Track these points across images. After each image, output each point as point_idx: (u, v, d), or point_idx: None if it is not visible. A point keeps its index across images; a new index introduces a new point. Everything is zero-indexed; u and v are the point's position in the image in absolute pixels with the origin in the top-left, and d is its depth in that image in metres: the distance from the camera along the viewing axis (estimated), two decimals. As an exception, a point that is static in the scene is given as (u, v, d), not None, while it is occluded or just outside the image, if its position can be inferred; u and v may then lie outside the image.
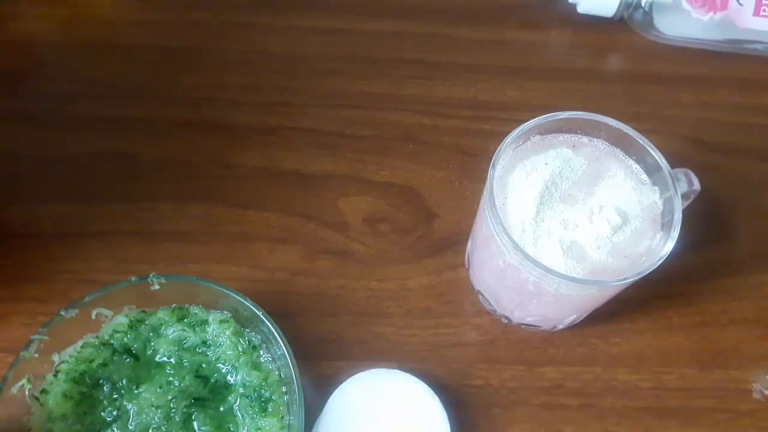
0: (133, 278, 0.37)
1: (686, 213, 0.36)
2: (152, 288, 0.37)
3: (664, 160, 0.36)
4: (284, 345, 0.35)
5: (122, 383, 0.36)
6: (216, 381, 0.36)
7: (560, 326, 0.42)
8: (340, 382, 0.38)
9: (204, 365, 0.37)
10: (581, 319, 0.41)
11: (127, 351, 0.37)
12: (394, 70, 0.53)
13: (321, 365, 0.40)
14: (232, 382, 0.37)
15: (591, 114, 0.38)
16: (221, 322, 0.37)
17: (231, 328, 0.37)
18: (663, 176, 0.36)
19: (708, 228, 0.47)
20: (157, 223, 0.45)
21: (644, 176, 0.38)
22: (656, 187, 0.37)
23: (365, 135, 0.50)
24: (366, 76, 0.52)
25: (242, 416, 0.36)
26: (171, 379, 0.36)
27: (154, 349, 0.37)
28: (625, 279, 0.34)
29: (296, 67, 0.53)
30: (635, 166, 0.38)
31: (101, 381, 0.36)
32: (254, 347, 0.37)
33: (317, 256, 0.44)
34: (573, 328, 0.42)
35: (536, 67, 0.54)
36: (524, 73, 0.53)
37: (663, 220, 0.36)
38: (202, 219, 0.45)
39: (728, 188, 0.48)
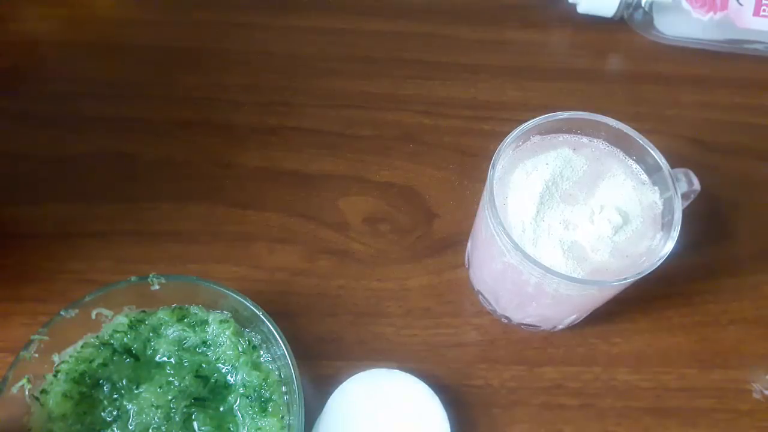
0: (133, 278, 0.37)
1: (686, 213, 0.36)
2: (152, 288, 0.37)
3: (664, 160, 0.36)
4: (284, 345, 0.35)
5: (122, 383, 0.36)
6: (216, 381, 0.36)
7: (560, 326, 0.42)
8: (340, 382, 0.38)
9: (204, 365, 0.37)
10: (581, 319, 0.41)
11: (127, 351, 0.37)
12: (394, 70, 0.53)
13: (321, 365, 0.40)
14: (232, 382, 0.37)
15: (591, 114, 0.38)
16: (221, 322, 0.37)
17: (231, 328, 0.37)
18: (663, 176, 0.36)
19: (708, 228, 0.47)
20: (157, 223, 0.45)
21: (644, 176, 0.38)
22: (656, 187, 0.37)
23: (365, 135, 0.50)
24: (366, 76, 0.52)
25: (242, 416, 0.36)
26: (171, 379, 0.36)
27: (154, 349, 0.37)
28: (625, 279, 0.34)
29: (296, 67, 0.53)
30: (635, 166, 0.38)
31: (101, 381, 0.36)
32: (254, 347, 0.37)
33: (317, 256, 0.44)
34: (573, 328, 0.42)
35: (536, 67, 0.54)
36: (524, 73, 0.53)
37: (663, 220, 0.36)
38: (202, 219, 0.45)
39: (728, 188, 0.48)
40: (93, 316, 0.37)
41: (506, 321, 0.42)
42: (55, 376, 0.35)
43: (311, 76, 0.52)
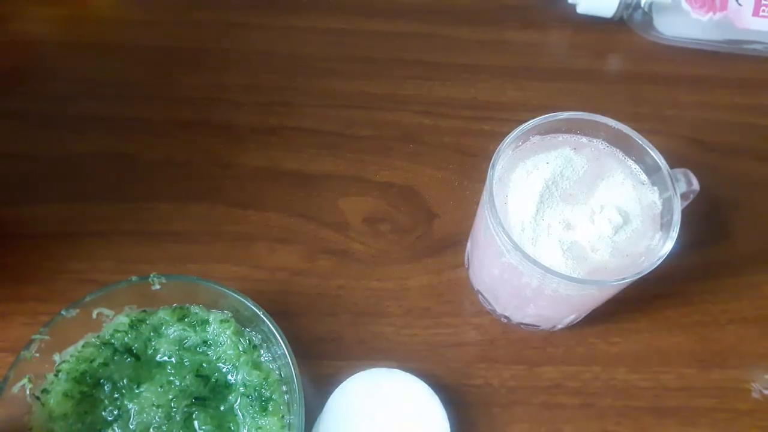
0: (133, 278, 0.37)
1: (685, 213, 0.36)
2: (153, 288, 0.37)
3: (663, 161, 0.37)
4: (284, 344, 0.35)
5: (123, 383, 0.36)
6: (216, 380, 0.36)
7: (560, 326, 0.42)
8: (340, 382, 0.38)
9: (204, 365, 0.37)
10: (580, 318, 0.42)
11: (128, 350, 0.37)
12: (394, 70, 0.53)
13: (321, 365, 0.41)
14: (232, 381, 0.37)
15: (590, 114, 0.38)
16: (222, 321, 0.37)
17: (231, 328, 0.37)
18: (662, 176, 0.37)
19: (707, 228, 0.47)
20: (157, 223, 0.45)
21: (643, 176, 0.38)
22: (655, 187, 0.37)
23: (365, 135, 0.50)
24: (366, 76, 0.52)
25: (243, 415, 0.36)
26: (172, 378, 0.36)
27: (154, 349, 0.37)
28: (624, 279, 0.34)
29: (296, 67, 0.53)
30: (635, 166, 0.38)
31: (102, 380, 0.36)
32: (255, 347, 0.37)
33: (317, 256, 0.45)
34: (572, 327, 0.42)
35: (536, 67, 0.54)
36: (524, 73, 0.53)
37: (662, 220, 0.36)
38: (202, 219, 0.46)
39: (727, 188, 0.49)
40: (94, 316, 0.37)
41: (506, 321, 0.42)
42: (56, 375, 0.35)
43: (311, 76, 0.52)
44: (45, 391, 0.35)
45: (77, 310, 0.36)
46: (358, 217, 0.46)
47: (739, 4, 0.53)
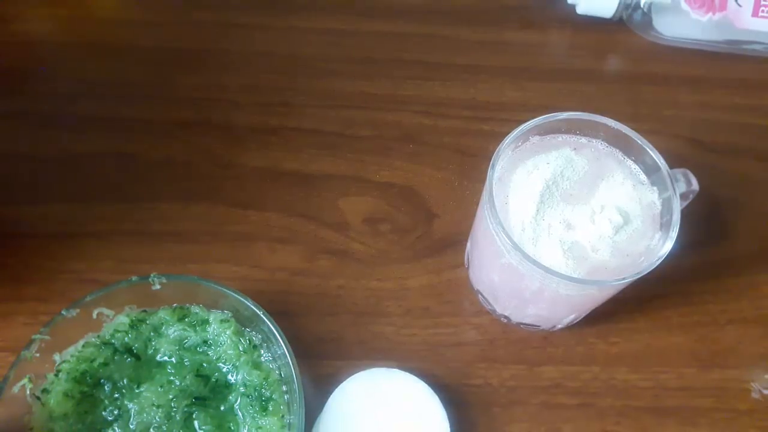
0: (134, 278, 0.37)
1: (685, 213, 0.36)
2: (153, 288, 0.37)
3: (662, 161, 0.37)
4: (284, 344, 0.35)
5: (123, 382, 0.36)
6: (217, 380, 0.37)
7: (559, 326, 0.42)
8: (340, 382, 0.38)
9: (205, 364, 0.37)
10: (580, 318, 0.42)
11: (128, 350, 0.37)
12: (394, 70, 0.53)
13: (321, 365, 0.41)
14: (232, 381, 0.37)
15: (590, 114, 0.38)
16: (222, 321, 0.37)
17: (232, 328, 0.37)
18: (662, 176, 0.37)
19: (707, 228, 0.47)
20: (157, 223, 0.45)
21: (643, 176, 0.38)
22: (655, 188, 0.37)
23: (365, 135, 0.50)
24: (366, 76, 0.52)
25: (243, 415, 0.36)
26: (172, 378, 0.36)
27: (155, 349, 0.37)
28: (624, 279, 0.34)
29: (296, 67, 0.53)
30: (634, 166, 0.38)
31: (102, 380, 0.36)
32: (255, 347, 0.37)
33: (317, 256, 0.45)
34: (572, 327, 0.42)
35: (535, 67, 0.54)
36: (524, 73, 0.53)
37: (662, 220, 0.36)
38: (202, 219, 0.46)
39: (727, 188, 0.49)
40: (94, 316, 0.37)
41: (505, 320, 0.43)
42: (56, 375, 0.35)
43: (311, 76, 0.52)
44: (45, 391, 0.35)
45: (77, 310, 0.36)
46: (358, 217, 0.46)
47: (739, 5, 0.53)
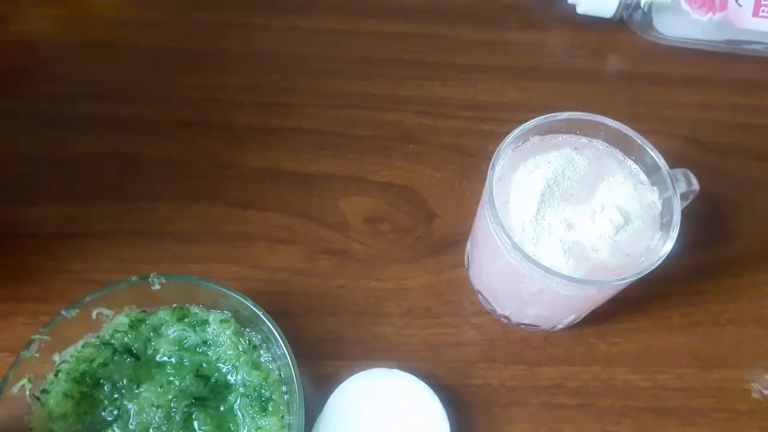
0: (133, 278, 0.37)
1: (685, 213, 0.36)
2: (153, 288, 0.37)
3: (663, 161, 0.37)
4: (284, 345, 0.35)
5: (123, 383, 0.36)
6: (216, 380, 0.36)
7: (559, 326, 0.42)
8: (340, 382, 0.38)
9: (204, 365, 0.37)
10: (580, 318, 0.42)
11: (128, 351, 0.37)
12: (393, 70, 0.53)
13: (321, 365, 0.41)
14: (232, 381, 0.37)
15: (590, 114, 0.38)
16: (222, 321, 0.37)
17: (231, 328, 0.37)
18: (662, 176, 0.37)
19: (707, 228, 0.47)
20: (157, 223, 0.45)
21: (643, 176, 0.38)
22: (655, 188, 0.37)
23: (365, 135, 0.50)
24: (366, 76, 0.52)
25: (242, 416, 0.36)
26: (171, 378, 0.36)
27: (154, 349, 0.37)
28: (624, 279, 0.34)
29: (296, 67, 0.53)
30: (634, 166, 0.38)
31: (102, 380, 0.36)
32: (254, 347, 0.37)
33: (317, 256, 0.45)
34: (572, 327, 0.42)
35: (536, 67, 0.54)
36: (524, 73, 0.53)
37: (662, 220, 0.36)
38: (202, 219, 0.46)
39: (727, 188, 0.49)
40: (94, 316, 0.37)
41: (506, 321, 0.42)
42: (55, 375, 0.35)
43: (311, 76, 0.52)
44: (45, 391, 0.35)
45: (77, 310, 0.36)
46: (358, 217, 0.46)
47: (739, 5, 0.53)
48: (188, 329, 0.37)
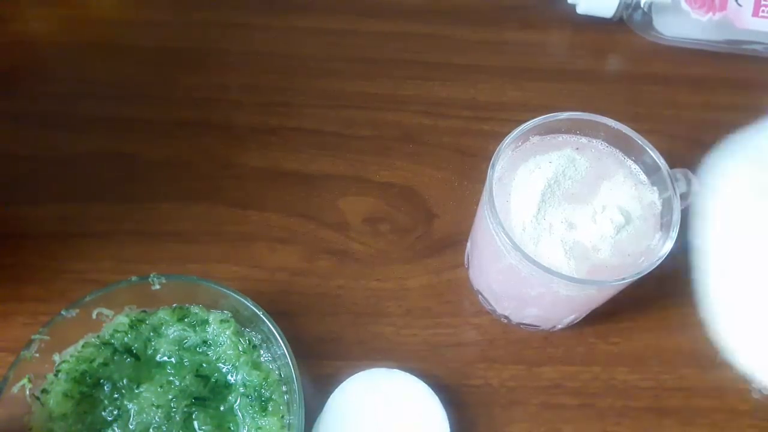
0: (133, 278, 0.37)
1: (685, 213, 0.36)
2: (153, 288, 0.37)
3: (663, 161, 0.37)
4: (284, 345, 0.35)
5: (123, 383, 0.36)
6: (216, 380, 0.37)
7: (559, 326, 0.42)
8: (340, 382, 0.38)
9: (204, 365, 0.37)
10: (580, 318, 0.42)
11: (128, 350, 0.37)
12: (394, 70, 0.53)
13: (321, 365, 0.41)
14: (232, 381, 0.37)
15: (590, 114, 0.38)
16: (221, 321, 0.37)
17: (231, 328, 0.37)
18: (662, 176, 0.37)
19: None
20: (157, 223, 0.45)
21: (643, 176, 0.38)
22: (655, 188, 0.37)
23: (365, 135, 0.50)
24: (366, 76, 0.52)
25: (242, 415, 0.36)
26: (171, 378, 0.36)
27: (154, 349, 0.37)
28: (624, 279, 0.34)
29: (296, 67, 0.53)
30: (634, 166, 0.38)
31: (102, 380, 0.36)
32: (254, 347, 0.37)
33: (317, 256, 0.45)
34: (572, 327, 0.42)
35: (536, 67, 0.54)
36: (524, 73, 0.53)
37: (662, 220, 0.36)
38: (202, 219, 0.46)
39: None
40: (94, 316, 0.37)
41: (505, 321, 0.42)
42: (55, 375, 0.35)
43: (311, 76, 0.52)
44: (45, 391, 0.35)
45: (77, 310, 0.36)
46: (358, 217, 0.46)
47: (739, 5, 0.53)
48: (188, 329, 0.37)
